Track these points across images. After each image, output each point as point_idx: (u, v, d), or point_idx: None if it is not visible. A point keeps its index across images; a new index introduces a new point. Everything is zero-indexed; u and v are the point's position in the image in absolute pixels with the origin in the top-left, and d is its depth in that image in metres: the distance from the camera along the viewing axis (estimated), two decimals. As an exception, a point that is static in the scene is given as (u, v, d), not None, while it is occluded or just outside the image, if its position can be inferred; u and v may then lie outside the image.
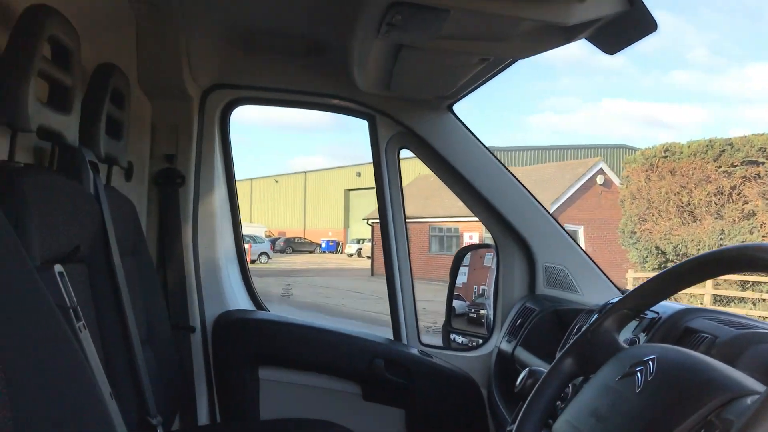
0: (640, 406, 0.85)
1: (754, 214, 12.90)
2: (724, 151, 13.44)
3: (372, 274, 24.76)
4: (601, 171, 23.30)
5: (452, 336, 2.77)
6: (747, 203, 13.06)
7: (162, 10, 1.95)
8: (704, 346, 1.21)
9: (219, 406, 2.34)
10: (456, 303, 2.85)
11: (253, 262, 28.10)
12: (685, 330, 1.30)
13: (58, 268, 1.23)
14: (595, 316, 1.59)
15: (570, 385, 1.22)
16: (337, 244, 38.04)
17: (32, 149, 1.62)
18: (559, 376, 1.09)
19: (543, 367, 1.96)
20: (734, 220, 13.25)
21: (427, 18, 1.39)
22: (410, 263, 2.47)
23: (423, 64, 1.81)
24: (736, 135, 13.78)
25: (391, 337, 2.46)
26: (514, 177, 2.36)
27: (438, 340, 2.69)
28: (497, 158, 2.36)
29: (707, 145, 13.79)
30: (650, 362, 0.89)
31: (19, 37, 1.36)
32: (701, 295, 13.21)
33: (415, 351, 2.38)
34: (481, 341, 2.54)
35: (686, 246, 14.03)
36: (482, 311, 2.90)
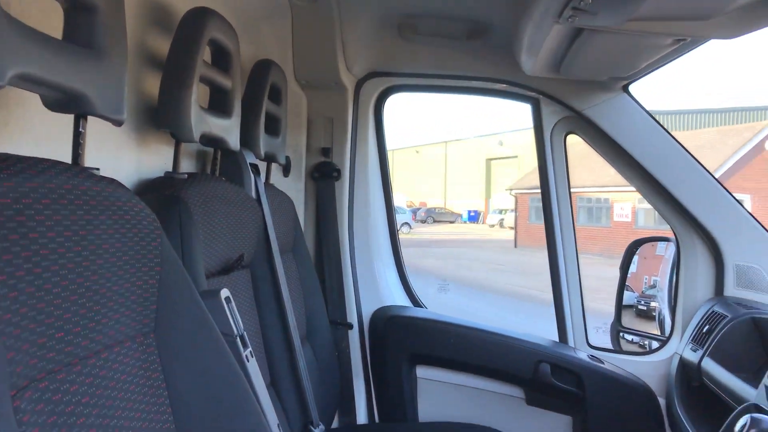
0: None
1: None
2: None
3: (515, 246, 24.30)
4: (770, 135, 21.25)
5: (621, 334, 2.56)
6: None
7: (319, 0, 1.88)
8: None
9: (377, 405, 2.30)
10: (624, 294, 2.62)
11: (395, 232, 28.43)
12: None
13: (224, 293, 1.19)
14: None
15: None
16: (479, 214, 37.67)
17: (195, 155, 1.61)
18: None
19: (741, 386, 1.73)
20: None
21: (622, 0, 1.19)
22: (578, 263, 2.28)
23: (604, 47, 1.60)
24: None
25: (556, 338, 2.30)
26: (701, 164, 2.09)
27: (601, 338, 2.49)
28: (680, 143, 2.10)
29: None
30: None
31: (180, 44, 1.33)
32: None
33: (583, 355, 2.21)
34: (656, 344, 2.32)
35: None
36: (653, 304, 2.66)
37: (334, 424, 2.22)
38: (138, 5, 1.32)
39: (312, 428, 1.66)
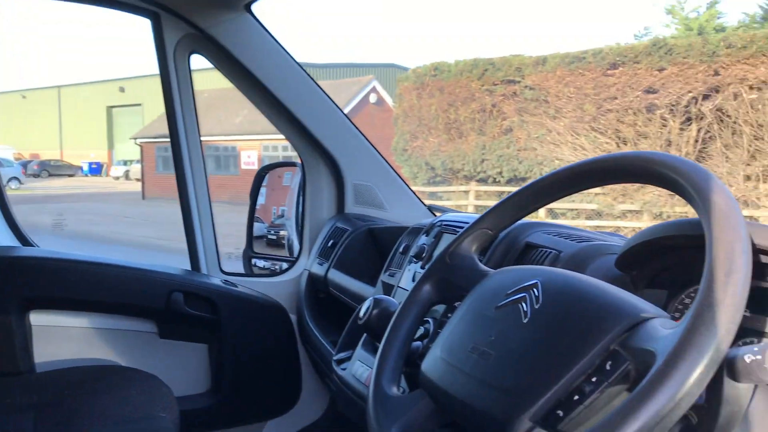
0: (531, 339, 0.76)
1: (511, 130, 14.03)
2: (486, 70, 14.30)
3: (143, 197, 23.38)
4: (374, 90, 23.80)
5: (254, 261, 2.61)
6: (505, 119, 14.14)
7: None
8: (549, 261, 1.17)
9: None
10: (254, 225, 2.67)
11: (1, 188, 25.02)
12: (526, 245, 1.26)
13: None
14: (441, 234, 1.51)
15: (430, 320, 1.13)
16: (102, 166, 35.19)
17: None
18: (417, 305, 0.98)
19: (362, 287, 1.89)
20: (494, 136, 14.32)
21: None
22: (207, 185, 2.22)
23: None
24: (498, 55, 14.64)
25: (189, 268, 2.23)
26: (323, 91, 2.19)
27: (239, 267, 2.51)
28: (305, 70, 2.16)
29: (472, 64, 14.59)
30: (534, 289, 0.81)
31: None
32: (466, 205, 14.32)
33: (217, 281, 2.18)
34: (286, 265, 2.41)
35: (452, 161, 14.93)
36: (282, 232, 2.76)
37: None
38: None
39: None
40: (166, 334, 2.12)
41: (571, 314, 0.75)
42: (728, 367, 0.64)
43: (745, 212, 10.83)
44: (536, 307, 0.78)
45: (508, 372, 0.75)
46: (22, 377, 1.95)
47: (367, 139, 2.27)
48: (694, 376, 0.59)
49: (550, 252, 1.18)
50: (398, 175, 2.33)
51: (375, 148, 2.28)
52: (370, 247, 2.07)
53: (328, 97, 2.21)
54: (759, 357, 0.62)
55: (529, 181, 0.99)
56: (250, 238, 2.55)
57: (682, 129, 11.59)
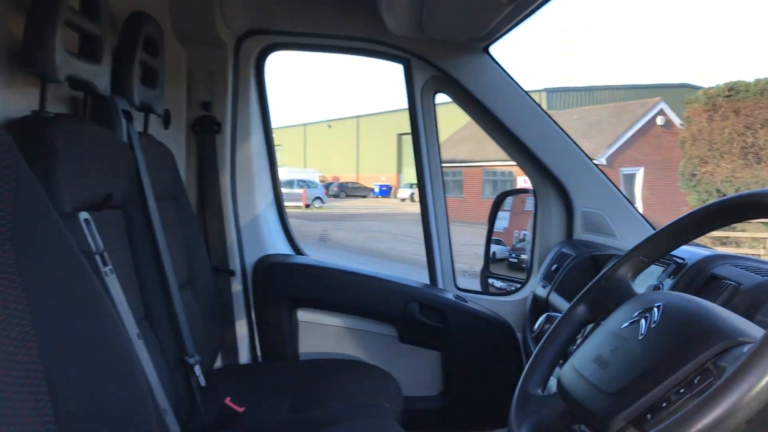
0: (641, 352, 0.84)
1: (823, 156, 12.32)
2: (793, 89, 12.81)
3: (425, 219, 24.73)
4: (661, 112, 22.47)
5: (490, 281, 2.78)
6: (815, 144, 12.47)
7: None
8: (727, 293, 1.18)
9: (260, 346, 2.42)
10: (496, 248, 2.85)
11: (307, 206, 28.58)
12: (711, 277, 1.27)
13: (83, 215, 1.28)
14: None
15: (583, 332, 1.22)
16: (390, 188, 38.11)
17: (66, 100, 1.66)
18: (571, 322, 1.09)
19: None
20: (801, 162, 12.69)
21: None
22: (446, 208, 2.47)
23: (452, 4, 1.76)
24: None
25: (428, 282, 2.49)
26: (553, 120, 2.30)
27: (477, 284, 2.71)
28: (534, 101, 2.31)
29: (774, 83, 13.14)
30: (656, 309, 0.88)
31: None
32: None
33: (450, 296, 2.40)
34: (518, 286, 2.55)
35: (749, 189, 13.51)
36: (523, 256, 2.89)
37: (218, 365, 2.33)
38: None
39: (188, 359, 1.77)
40: (405, 338, 2.40)
41: (678, 333, 0.82)
42: None
43: None
44: (652, 325, 0.86)
45: (617, 378, 0.84)
46: (289, 362, 2.38)
47: (597, 166, 2.32)
48: (753, 392, 0.65)
49: (730, 284, 1.19)
50: (631, 203, 2.34)
51: (605, 176, 2.33)
52: (590, 273, 2.12)
53: (559, 126, 2.31)
54: None
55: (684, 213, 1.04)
56: (487, 259, 2.74)
57: None
